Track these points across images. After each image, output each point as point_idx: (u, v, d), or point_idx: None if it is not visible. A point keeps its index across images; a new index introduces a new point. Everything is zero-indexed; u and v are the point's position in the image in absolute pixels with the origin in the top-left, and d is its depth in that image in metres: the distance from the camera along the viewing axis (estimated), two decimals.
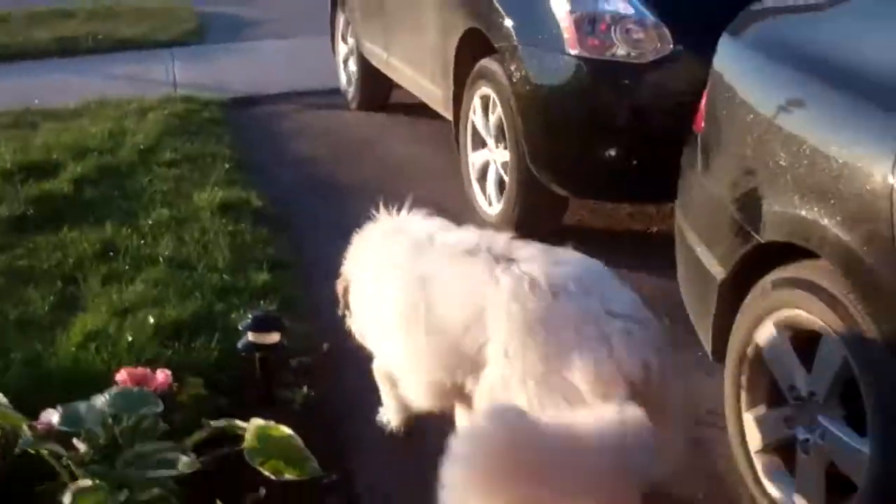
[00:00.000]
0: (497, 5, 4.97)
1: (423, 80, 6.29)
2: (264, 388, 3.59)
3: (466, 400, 2.83)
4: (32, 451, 2.86)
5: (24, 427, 2.90)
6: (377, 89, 7.75)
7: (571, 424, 2.33)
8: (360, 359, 3.52)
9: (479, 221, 4.98)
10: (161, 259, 4.87)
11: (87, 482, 2.69)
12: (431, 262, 2.93)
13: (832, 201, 2.61)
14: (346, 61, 8.15)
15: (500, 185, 5.22)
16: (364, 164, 6.59)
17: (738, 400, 3.11)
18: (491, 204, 5.33)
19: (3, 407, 2.96)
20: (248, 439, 2.80)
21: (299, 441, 2.81)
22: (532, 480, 2.24)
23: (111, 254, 4.95)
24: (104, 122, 7.34)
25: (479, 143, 5.45)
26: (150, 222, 5.39)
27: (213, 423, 2.94)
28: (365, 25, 7.42)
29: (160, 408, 3.01)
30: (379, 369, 3.37)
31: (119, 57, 10.15)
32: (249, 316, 3.66)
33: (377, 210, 3.33)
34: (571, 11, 4.58)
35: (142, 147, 6.78)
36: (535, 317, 2.58)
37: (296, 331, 3.96)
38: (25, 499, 2.95)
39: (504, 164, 5.14)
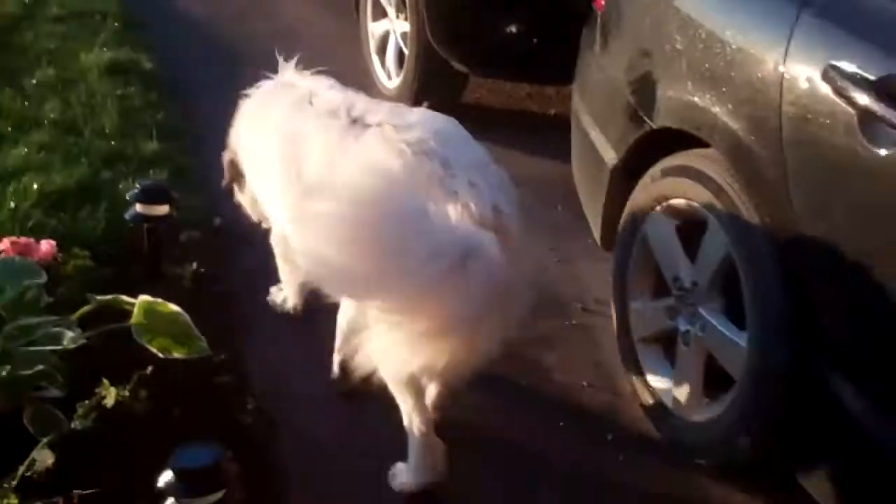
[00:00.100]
0: None
1: None
2: (152, 262, 3.53)
3: None
4: None
5: None
6: None
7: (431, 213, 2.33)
8: (253, 235, 3.49)
9: (378, 94, 4.90)
10: (46, 122, 4.70)
11: None
12: (301, 121, 2.94)
13: (724, 88, 2.61)
14: None
15: (400, 57, 5.13)
16: (260, 27, 6.38)
17: (623, 289, 3.16)
18: (390, 78, 5.24)
19: None
20: (136, 315, 2.74)
21: (187, 318, 2.76)
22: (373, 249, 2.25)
23: None
24: None
25: (380, 13, 5.32)
26: (34, 82, 5.18)
27: (99, 297, 2.87)
28: None
29: (44, 279, 2.94)
30: (276, 241, 3.34)
31: None
32: (138, 185, 3.58)
33: (269, 74, 3.26)
34: None
35: (27, 0, 6.46)
36: None
37: (186, 203, 3.88)
38: None
39: (404, 36, 5.04)
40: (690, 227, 2.83)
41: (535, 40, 4.51)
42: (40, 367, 2.66)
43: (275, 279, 3.48)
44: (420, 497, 2.74)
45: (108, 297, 2.87)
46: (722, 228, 2.65)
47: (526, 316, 2.62)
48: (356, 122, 2.78)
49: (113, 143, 4.53)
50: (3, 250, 3.15)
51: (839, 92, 2.22)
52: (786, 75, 2.38)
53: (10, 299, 2.84)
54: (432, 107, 2.97)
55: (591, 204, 3.44)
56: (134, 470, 2.50)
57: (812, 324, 2.40)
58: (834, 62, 2.25)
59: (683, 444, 2.90)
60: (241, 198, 3.44)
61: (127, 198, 3.59)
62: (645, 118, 2.99)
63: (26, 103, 4.90)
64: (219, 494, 2.18)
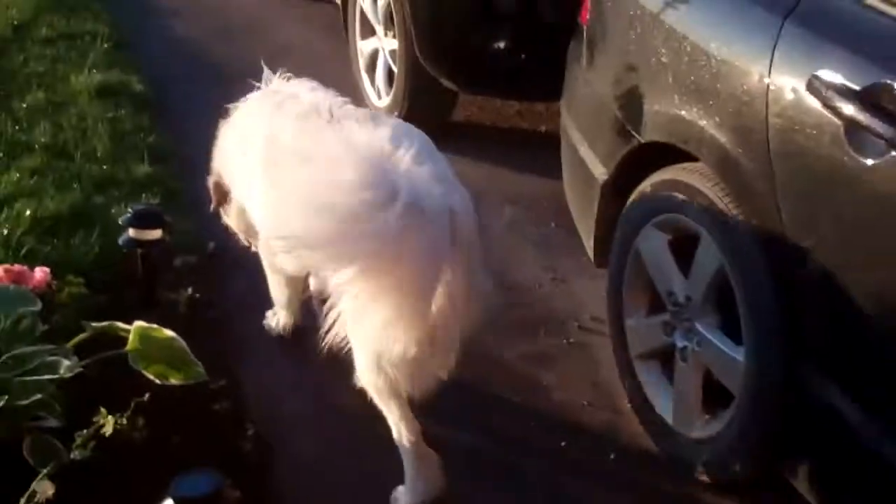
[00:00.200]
0: None
1: None
2: (146, 288, 3.53)
3: None
4: None
5: None
6: None
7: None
8: (247, 259, 3.48)
9: None
10: (37, 147, 4.69)
11: None
12: (281, 119, 2.96)
13: (710, 101, 2.61)
14: None
15: (390, 76, 5.14)
16: (250, 46, 6.37)
17: (618, 306, 3.15)
18: (380, 97, 5.24)
19: None
20: (131, 342, 2.74)
21: (183, 344, 2.76)
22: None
23: None
24: None
25: (369, 30, 5.33)
26: (24, 106, 5.17)
27: (95, 324, 2.87)
28: None
29: (39, 307, 2.93)
30: (263, 251, 3.29)
31: None
32: (130, 210, 3.58)
33: (255, 83, 3.27)
34: None
35: (15, 23, 6.44)
36: None
37: (179, 227, 3.87)
38: None
39: (393, 53, 5.05)
40: (683, 241, 2.83)
41: (522, 56, 4.52)
42: (38, 396, 2.64)
43: (269, 303, 3.48)
44: None
45: (104, 323, 2.86)
46: (714, 242, 2.65)
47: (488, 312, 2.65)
48: (336, 119, 2.82)
49: (105, 167, 4.52)
50: None
51: (825, 102, 2.23)
52: (771, 87, 2.39)
53: (5, 328, 2.85)
54: (417, 124, 2.98)
55: (582, 220, 3.43)
56: (133, 499, 2.50)
57: (806, 334, 2.41)
58: (818, 72, 2.26)
59: (684, 461, 2.89)
60: (229, 219, 3.43)
61: (120, 222, 3.58)
62: (633, 133, 2.99)
63: (17, 127, 4.89)
64: None
